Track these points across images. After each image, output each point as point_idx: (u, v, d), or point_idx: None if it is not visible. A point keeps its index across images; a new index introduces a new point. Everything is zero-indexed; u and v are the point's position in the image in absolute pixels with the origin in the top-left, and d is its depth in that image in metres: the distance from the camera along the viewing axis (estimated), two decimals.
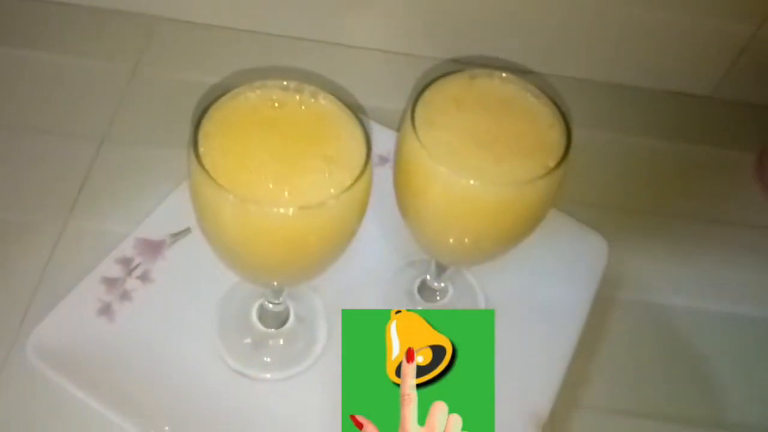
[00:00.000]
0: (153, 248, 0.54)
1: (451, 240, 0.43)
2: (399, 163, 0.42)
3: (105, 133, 0.61)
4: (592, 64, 0.70)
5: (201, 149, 0.36)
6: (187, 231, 0.55)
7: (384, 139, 0.59)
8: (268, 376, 0.49)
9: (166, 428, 0.45)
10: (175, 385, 0.48)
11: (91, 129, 0.61)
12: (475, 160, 0.39)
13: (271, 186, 0.36)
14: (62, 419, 0.46)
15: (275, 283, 0.44)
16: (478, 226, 0.40)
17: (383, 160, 0.60)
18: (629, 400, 0.52)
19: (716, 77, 0.70)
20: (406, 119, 0.40)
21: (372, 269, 0.55)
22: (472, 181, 0.38)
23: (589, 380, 0.53)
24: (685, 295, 0.58)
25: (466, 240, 0.42)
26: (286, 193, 0.36)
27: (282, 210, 0.35)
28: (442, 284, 0.53)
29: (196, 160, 0.36)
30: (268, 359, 0.50)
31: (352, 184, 0.36)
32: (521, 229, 0.42)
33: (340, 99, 0.40)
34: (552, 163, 0.39)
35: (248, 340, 0.51)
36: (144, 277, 0.52)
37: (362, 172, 0.37)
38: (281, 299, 0.49)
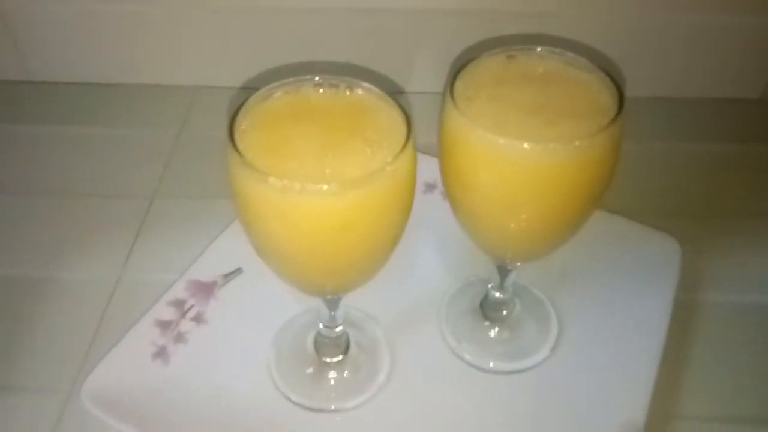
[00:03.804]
0: (205, 289, 0.52)
1: (508, 223, 0.39)
2: (443, 144, 0.40)
3: (154, 191, 0.62)
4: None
5: (237, 144, 0.36)
6: (238, 271, 0.53)
7: (431, 168, 0.58)
8: (332, 406, 0.46)
9: None
10: (236, 424, 0.45)
11: (142, 189, 0.62)
12: (524, 126, 0.36)
13: (311, 168, 0.34)
14: None
15: (327, 288, 0.42)
16: (536, 199, 0.37)
17: (430, 186, 0.59)
18: (726, 406, 0.47)
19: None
20: (445, 97, 0.38)
21: (429, 293, 0.53)
22: (526, 145, 0.35)
23: (681, 388, 0.48)
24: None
25: (524, 220, 0.39)
26: (328, 172, 0.34)
27: (324, 187, 0.33)
28: (508, 295, 0.50)
29: (232, 148, 0.35)
30: (331, 390, 0.47)
31: (395, 158, 0.34)
32: (582, 201, 0.38)
33: (378, 85, 0.39)
34: (606, 123, 0.36)
35: (310, 370, 0.48)
36: (198, 319, 0.51)
37: (404, 147, 0.35)
38: (338, 321, 0.47)
